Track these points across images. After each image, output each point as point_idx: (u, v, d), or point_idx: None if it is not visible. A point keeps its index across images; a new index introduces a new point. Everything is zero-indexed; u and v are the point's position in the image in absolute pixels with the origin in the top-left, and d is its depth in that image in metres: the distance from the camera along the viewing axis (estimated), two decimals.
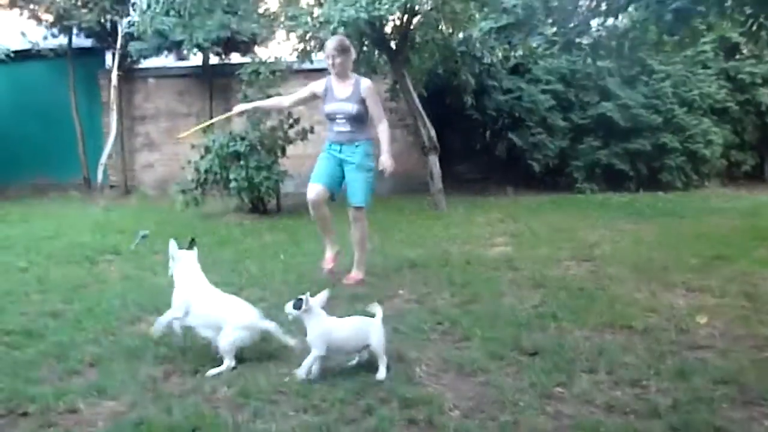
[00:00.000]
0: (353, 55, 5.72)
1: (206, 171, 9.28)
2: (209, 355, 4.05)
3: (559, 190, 11.20)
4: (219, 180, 9.33)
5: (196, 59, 12.49)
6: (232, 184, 9.06)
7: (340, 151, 5.73)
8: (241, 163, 9.13)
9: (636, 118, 11.35)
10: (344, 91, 5.63)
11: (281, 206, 9.96)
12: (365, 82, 5.65)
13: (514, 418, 3.19)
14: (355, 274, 5.77)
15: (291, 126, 9.83)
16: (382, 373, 3.67)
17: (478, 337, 4.21)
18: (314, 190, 5.90)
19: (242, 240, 7.75)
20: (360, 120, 5.63)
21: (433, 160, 10.03)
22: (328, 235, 6.03)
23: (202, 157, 9.48)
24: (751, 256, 6.05)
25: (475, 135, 11.86)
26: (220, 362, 3.91)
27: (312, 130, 10.03)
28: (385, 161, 5.61)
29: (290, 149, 9.94)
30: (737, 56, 11.91)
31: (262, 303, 5.11)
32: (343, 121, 5.63)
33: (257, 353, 4.08)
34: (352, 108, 5.59)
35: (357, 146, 5.66)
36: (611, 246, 6.80)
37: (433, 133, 10.07)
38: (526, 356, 3.92)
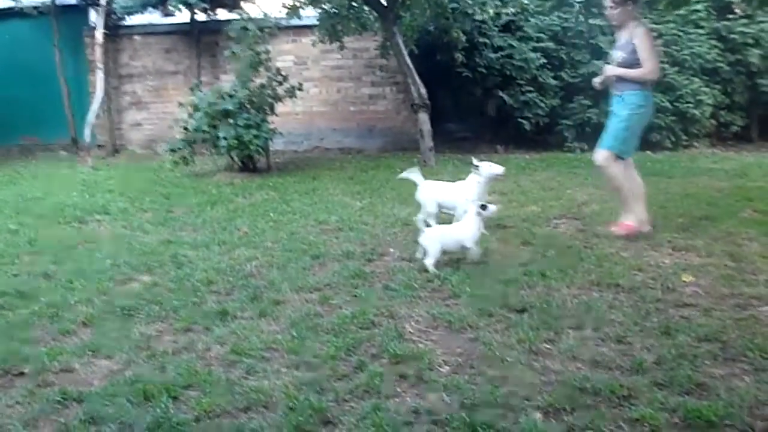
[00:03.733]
0: (629, 5, 5.44)
1: (195, 130, 9.19)
2: (200, 313, 4.10)
3: (549, 148, 11.18)
4: (208, 139, 9.26)
5: (182, 16, 12.29)
6: (222, 143, 8.98)
7: (612, 103, 5.65)
8: (230, 121, 9.05)
9: None
10: (620, 40, 5.55)
11: (271, 164, 9.92)
12: (637, 30, 5.38)
13: (502, 373, 3.26)
14: (622, 223, 5.57)
15: (280, 83, 9.74)
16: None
17: (467, 295, 4.27)
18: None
19: (233, 199, 7.75)
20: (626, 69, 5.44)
21: (424, 118, 9.99)
22: (628, 201, 5.66)
23: (190, 116, 9.38)
24: (737, 217, 6.11)
25: (466, 93, 11.77)
26: (212, 320, 3.97)
27: (300, 87, 9.96)
28: (604, 72, 5.60)
29: (279, 107, 9.86)
30: (730, 16, 11.81)
31: (254, 261, 5.17)
32: None
33: (248, 311, 4.13)
34: (619, 57, 5.50)
35: (621, 97, 5.54)
36: (600, 205, 6.84)
37: (423, 90, 10.01)
38: (515, 313, 3.98)
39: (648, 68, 5.38)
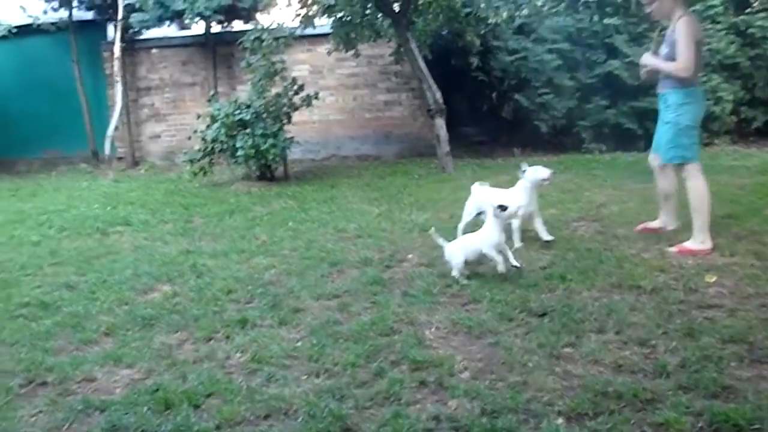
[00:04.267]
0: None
1: (213, 140, 9.27)
2: (220, 322, 4.12)
3: (567, 150, 11.12)
4: (226, 149, 9.32)
5: (198, 28, 12.40)
6: (239, 153, 9.04)
7: (659, 103, 5.37)
8: (247, 131, 9.11)
9: None
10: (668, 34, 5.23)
11: (288, 173, 9.96)
12: (679, 21, 5.00)
13: (523, 378, 3.23)
14: (687, 244, 5.06)
15: (296, 92, 9.78)
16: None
17: (487, 300, 4.25)
18: (650, 156, 5.59)
19: (251, 208, 7.78)
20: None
21: (440, 123, 9.97)
22: (664, 204, 5.58)
23: (208, 127, 9.46)
24: (761, 215, 6.02)
25: (482, 97, 11.75)
26: (232, 329, 3.98)
27: (316, 96, 9.99)
28: (645, 59, 5.27)
29: (296, 116, 9.90)
30: (747, 10, 11.68)
31: (273, 270, 5.18)
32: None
33: (268, 320, 4.14)
34: (663, 51, 5.19)
35: (663, 97, 5.25)
36: (619, 206, 6.78)
37: (439, 95, 10.00)
38: (535, 317, 3.96)
39: (679, 63, 4.94)
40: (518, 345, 3.58)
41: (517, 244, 5.40)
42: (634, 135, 11.35)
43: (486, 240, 4.65)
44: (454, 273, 4.64)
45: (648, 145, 11.27)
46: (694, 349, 3.40)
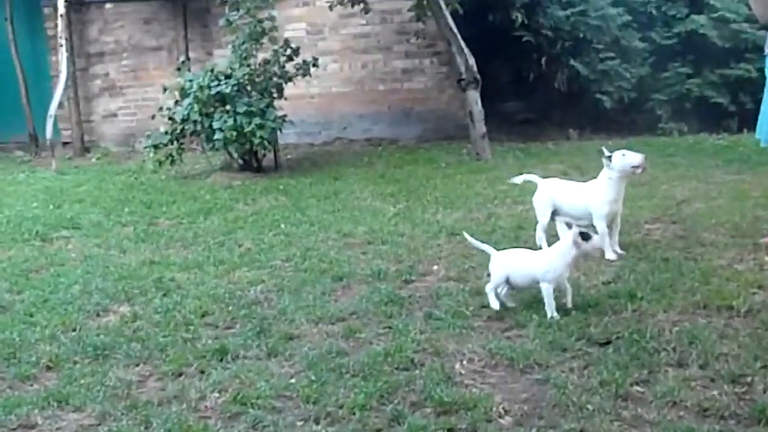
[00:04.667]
0: None
1: (183, 120, 9.29)
2: (193, 352, 4.14)
3: (638, 131, 11.09)
4: (200, 131, 9.35)
5: None
6: (217, 136, 9.07)
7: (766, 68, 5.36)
8: (227, 108, 9.13)
9: (738, 35, 11.15)
10: None
11: (280, 162, 9.98)
12: None
13: (580, 425, 3.22)
14: None
15: (289, 58, 9.79)
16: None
17: (534, 324, 4.24)
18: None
19: (232, 206, 7.81)
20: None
21: (473, 97, 9.97)
22: None
23: (177, 103, 9.49)
24: None
25: (528, 63, 11.73)
26: (208, 361, 4.01)
27: (316, 63, 10.00)
28: None
29: (289, 88, 9.93)
30: None
31: (260, 286, 5.21)
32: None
33: (254, 349, 4.16)
34: None
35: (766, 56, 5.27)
36: (705, 203, 6.75)
37: (472, 61, 9.99)
38: (596, 347, 3.95)
39: None
40: (574, 382, 3.57)
41: (610, 255, 5.35)
42: (724, 111, 11.30)
43: (548, 267, 4.43)
44: (488, 287, 4.55)
45: (743, 126, 11.23)
46: None
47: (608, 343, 3.98)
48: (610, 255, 5.32)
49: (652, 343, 3.92)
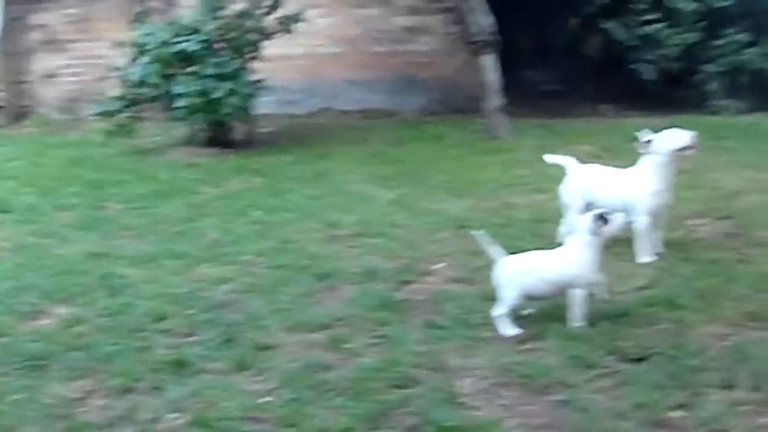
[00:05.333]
0: None
1: (139, 83, 9.28)
2: (146, 364, 4.14)
3: (684, 108, 11.07)
4: (159, 96, 9.34)
5: None
6: (179, 103, 9.05)
7: None
8: (193, 69, 9.11)
9: None
10: None
11: (255, 135, 9.97)
12: None
13: None
14: None
15: (268, 11, 9.76)
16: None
17: (554, 335, 4.25)
18: None
19: (196, 188, 7.81)
20: None
21: (489, 63, 9.97)
22: None
23: (132, 62, 9.46)
24: None
25: (555, 24, 11.74)
26: (164, 375, 4.01)
27: (300, 18, 9.96)
28: None
29: (268, 47, 9.90)
30: None
31: (227, 284, 5.21)
32: None
33: (219, 362, 4.16)
34: None
35: None
36: (761, 196, 6.76)
37: (489, 20, 9.99)
38: (628, 363, 3.95)
39: None
40: (602, 405, 3.58)
41: (646, 258, 5.35)
42: None
43: (576, 267, 4.41)
44: (497, 313, 4.41)
45: None
46: None
47: (642, 359, 3.98)
48: (644, 257, 5.34)
49: (695, 361, 3.93)
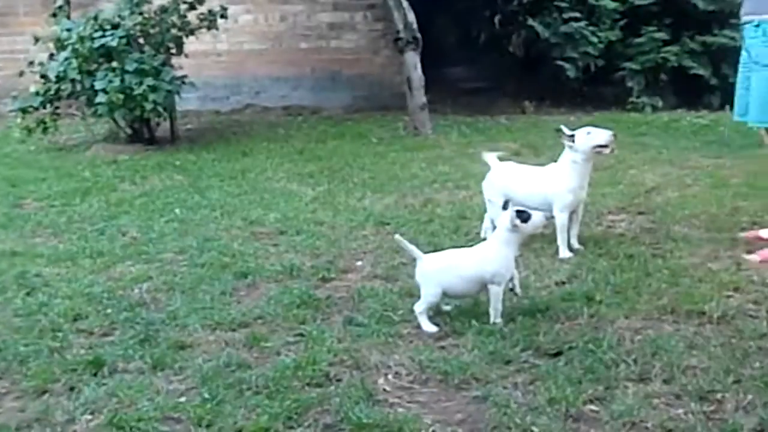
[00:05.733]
0: None
1: (59, 78, 9.16)
2: (61, 364, 4.08)
3: (605, 105, 11.25)
4: (79, 92, 9.22)
5: None
6: (100, 99, 8.94)
7: (744, 38, 5.49)
8: (114, 65, 9.02)
9: None
10: None
11: (177, 132, 9.89)
12: None
13: None
14: None
15: (191, 6, 9.69)
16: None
17: (473, 331, 4.27)
18: None
19: (116, 185, 7.74)
20: None
21: (413, 60, 9.99)
22: None
23: (52, 57, 9.35)
24: None
25: (478, 22, 11.81)
26: (80, 375, 3.95)
27: (224, 14, 9.90)
28: None
29: (191, 43, 9.83)
30: None
31: (146, 283, 5.16)
32: None
33: (136, 361, 4.12)
34: None
35: (757, 26, 5.34)
36: (679, 192, 6.90)
37: (412, 17, 10.01)
38: (545, 358, 3.99)
39: None
40: (518, 400, 3.60)
41: (566, 254, 5.44)
42: (705, 85, 11.50)
43: (497, 268, 4.43)
44: (419, 308, 4.43)
45: (726, 102, 11.48)
46: None
47: (559, 354, 4.01)
48: (564, 253, 5.41)
49: (610, 354, 3.96)
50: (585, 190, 5.55)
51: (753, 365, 3.84)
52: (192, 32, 9.74)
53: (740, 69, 5.63)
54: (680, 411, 3.49)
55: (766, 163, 7.81)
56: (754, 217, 6.14)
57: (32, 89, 9.44)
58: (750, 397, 3.56)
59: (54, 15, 9.82)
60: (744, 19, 5.48)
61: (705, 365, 3.85)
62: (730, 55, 11.33)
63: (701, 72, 11.36)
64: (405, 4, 10.02)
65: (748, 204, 6.51)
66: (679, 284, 4.83)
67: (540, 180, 5.60)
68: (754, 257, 5.22)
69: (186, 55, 9.80)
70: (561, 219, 5.40)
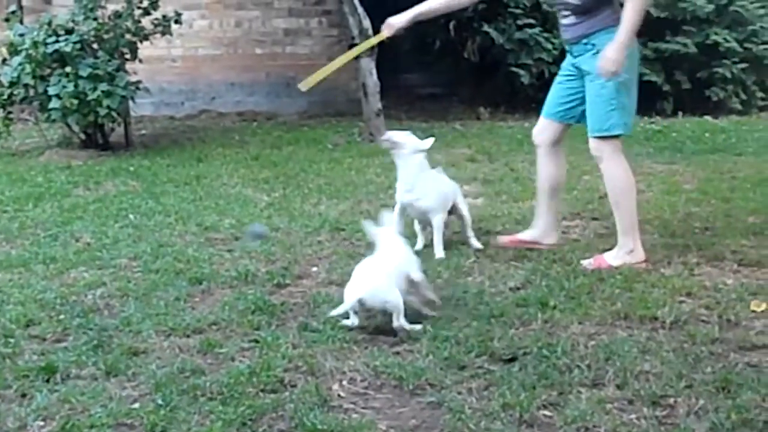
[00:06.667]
0: None
1: (12, 84, 9.09)
2: (13, 371, 4.03)
3: None
4: (32, 97, 9.15)
5: None
6: (54, 104, 8.88)
7: (574, 55, 5.59)
8: (67, 70, 8.95)
9: (675, 4, 11.49)
10: None
11: (131, 138, 9.84)
12: None
13: None
14: (609, 254, 5.45)
15: (146, 12, 9.65)
16: None
17: (428, 337, 4.28)
18: (537, 127, 5.90)
19: (69, 191, 7.67)
20: (589, 5, 5.36)
21: (368, 66, 10.00)
22: (541, 201, 5.86)
23: (4, 62, 9.26)
24: None
25: (433, 28, 11.83)
26: (32, 381, 3.91)
27: (178, 19, 9.87)
28: (605, 55, 5.18)
29: (145, 48, 9.78)
30: None
31: (100, 289, 5.12)
32: (567, 12, 5.47)
33: (89, 367, 4.08)
34: None
35: (587, 45, 5.43)
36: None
37: (367, 23, 10.02)
38: (499, 364, 4.00)
39: None
40: (472, 405, 3.60)
41: (441, 254, 5.60)
42: (658, 91, 11.65)
43: (409, 261, 4.67)
44: (399, 324, 4.38)
45: (678, 108, 11.58)
46: (731, 410, 3.50)
47: (513, 359, 4.03)
48: (440, 253, 5.66)
49: (564, 360, 3.99)
50: (413, 192, 5.71)
51: (705, 370, 3.88)
52: (146, 37, 9.71)
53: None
54: (633, 416, 3.52)
55: (718, 168, 7.95)
56: (706, 222, 6.23)
57: None
58: (702, 401, 3.59)
59: (7, 20, 9.73)
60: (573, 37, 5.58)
61: (658, 370, 3.89)
62: (683, 61, 11.54)
63: (654, 78, 11.48)
64: (360, 10, 10.03)
65: (700, 209, 6.60)
66: (632, 290, 4.87)
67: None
68: (589, 262, 5.37)
69: (140, 61, 9.77)
70: (438, 221, 5.67)
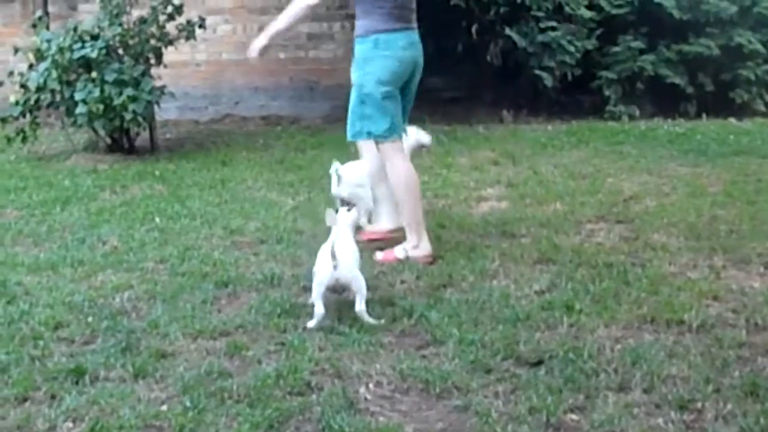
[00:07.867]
0: None
1: (39, 89, 9.12)
2: (43, 373, 4.06)
3: (582, 114, 11.29)
4: (59, 102, 9.18)
5: None
6: (80, 109, 8.91)
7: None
8: (93, 75, 8.98)
9: (698, 6, 11.43)
10: None
11: (156, 142, 9.86)
12: None
13: None
14: (397, 248, 5.70)
15: (170, 17, 9.68)
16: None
17: (454, 340, 4.27)
18: None
19: (96, 195, 7.68)
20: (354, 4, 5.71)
21: None
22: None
23: (31, 68, 9.30)
24: None
25: (456, 31, 11.82)
26: (61, 384, 3.92)
27: (203, 24, 9.90)
28: (253, 45, 5.95)
29: (170, 54, 9.81)
30: None
31: (127, 292, 5.13)
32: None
33: (117, 369, 4.10)
34: None
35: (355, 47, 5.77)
36: (657, 200, 6.93)
37: None
38: (526, 368, 3.99)
39: None
40: (499, 409, 3.60)
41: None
42: (682, 94, 11.58)
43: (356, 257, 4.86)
44: (361, 309, 4.59)
45: (703, 110, 11.51)
46: (759, 414, 3.49)
47: (540, 363, 4.02)
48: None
49: (591, 364, 3.98)
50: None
51: (732, 374, 3.87)
52: (171, 42, 9.71)
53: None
54: (660, 420, 3.51)
55: (743, 171, 7.90)
56: (732, 225, 6.19)
57: (12, 99, 9.40)
58: (730, 406, 3.58)
59: (34, 26, 9.78)
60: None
61: (685, 374, 3.87)
62: (707, 64, 11.46)
63: (677, 81, 11.42)
64: None
65: (725, 212, 6.56)
66: (659, 293, 4.85)
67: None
68: (379, 256, 5.61)
69: (165, 66, 9.77)
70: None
